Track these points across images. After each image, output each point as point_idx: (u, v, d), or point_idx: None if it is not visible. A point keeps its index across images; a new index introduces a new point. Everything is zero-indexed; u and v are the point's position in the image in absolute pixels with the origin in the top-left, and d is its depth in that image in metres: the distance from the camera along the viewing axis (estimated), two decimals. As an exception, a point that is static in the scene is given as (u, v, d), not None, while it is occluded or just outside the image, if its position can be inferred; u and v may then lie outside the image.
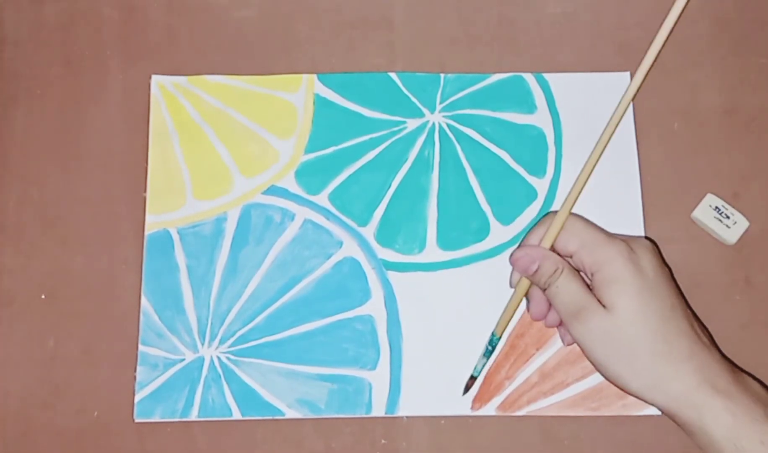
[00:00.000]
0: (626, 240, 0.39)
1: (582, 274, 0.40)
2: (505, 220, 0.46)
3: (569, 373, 0.44)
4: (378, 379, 0.44)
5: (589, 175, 0.39)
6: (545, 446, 0.43)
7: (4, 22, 0.50)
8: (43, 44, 0.49)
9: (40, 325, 0.45)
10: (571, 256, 0.39)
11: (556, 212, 0.40)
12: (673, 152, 0.47)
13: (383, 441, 0.43)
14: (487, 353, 0.43)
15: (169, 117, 0.48)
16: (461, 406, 0.43)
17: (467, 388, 0.43)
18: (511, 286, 0.42)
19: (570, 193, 0.39)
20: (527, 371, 0.44)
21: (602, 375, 0.38)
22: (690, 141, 0.47)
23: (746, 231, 0.45)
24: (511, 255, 0.40)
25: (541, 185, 0.47)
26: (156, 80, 0.48)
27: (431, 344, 0.44)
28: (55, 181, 0.47)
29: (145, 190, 0.46)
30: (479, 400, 0.43)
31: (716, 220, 0.45)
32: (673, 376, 0.35)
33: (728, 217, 0.45)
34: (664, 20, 0.36)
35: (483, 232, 0.46)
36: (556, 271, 0.38)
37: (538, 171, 0.47)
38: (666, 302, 0.37)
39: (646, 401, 0.36)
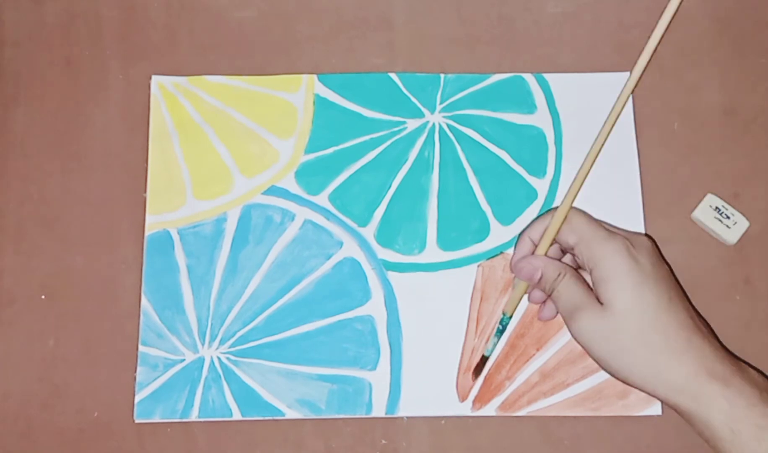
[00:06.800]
0: (626, 236, 0.39)
1: (582, 271, 0.40)
2: (505, 220, 0.46)
3: (569, 373, 0.44)
4: (378, 379, 0.44)
5: (588, 171, 0.39)
6: (545, 446, 0.43)
7: (4, 22, 0.49)
8: (43, 44, 0.49)
9: (40, 325, 0.45)
10: (572, 249, 0.40)
11: (557, 208, 0.40)
12: (673, 152, 0.47)
13: (383, 441, 0.43)
14: (498, 333, 0.43)
15: (169, 117, 0.48)
16: (461, 406, 0.43)
17: (478, 369, 0.43)
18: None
19: (570, 188, 0.39)
20: (527, 371, 0.44)
21: (604, 370, 0.38)
22: (690, 141, 0.47)
23: (746, 231, 0.45)
24: (513, 263, 0.41)
25: (541, 185, 0.47)
26: (156, 80, 0.48)
27: (431, 344, 0.44)
28: (55, 181, 0.47)
29: (145, 190, 0.46)
30: (479, 401, 0.43)
31: (716, 220, 0.45)
32: (671, 367, 0.36)
33: (728, 217, 0.45)
34: (660, 17, 0.36)
35: (483, 232, 0.46)
36: (558, 276, 0.39)
37: (538, 171, 0.47)
38: (663, 296, 0.37)
39: (647, 392, 0.37)
